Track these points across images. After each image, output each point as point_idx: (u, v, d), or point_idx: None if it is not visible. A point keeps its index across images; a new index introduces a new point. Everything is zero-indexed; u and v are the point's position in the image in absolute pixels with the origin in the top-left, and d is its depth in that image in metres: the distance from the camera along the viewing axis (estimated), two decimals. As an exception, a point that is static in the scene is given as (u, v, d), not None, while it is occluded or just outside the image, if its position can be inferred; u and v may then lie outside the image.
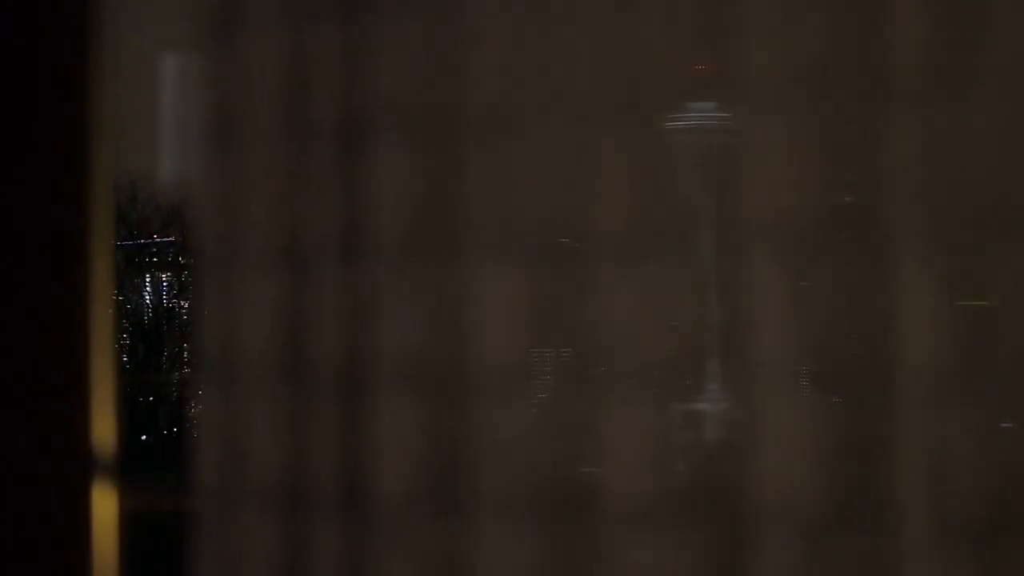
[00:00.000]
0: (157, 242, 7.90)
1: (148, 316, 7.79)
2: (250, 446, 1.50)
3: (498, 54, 1.30)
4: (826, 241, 1.24)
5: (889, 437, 1.21)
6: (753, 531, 1.21)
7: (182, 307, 8.57)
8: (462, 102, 1.31)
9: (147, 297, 7.82)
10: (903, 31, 1.20)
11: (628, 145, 1.29)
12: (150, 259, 7.85)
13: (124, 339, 7.11)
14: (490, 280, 1.31)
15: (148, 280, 7.84)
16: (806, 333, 1.24)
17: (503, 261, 1.31)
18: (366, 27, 1.38)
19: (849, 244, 1.25)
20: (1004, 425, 1.22)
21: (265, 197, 1.48)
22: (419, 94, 1.34)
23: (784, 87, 1.22)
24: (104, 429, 1.78)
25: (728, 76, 1.26)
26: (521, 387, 1.31)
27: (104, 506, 1.80)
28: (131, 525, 2.05)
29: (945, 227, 1.19)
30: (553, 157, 1.31)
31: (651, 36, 1.28)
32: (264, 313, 1.49)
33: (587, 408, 1.31)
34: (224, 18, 1.49)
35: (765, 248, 1.24)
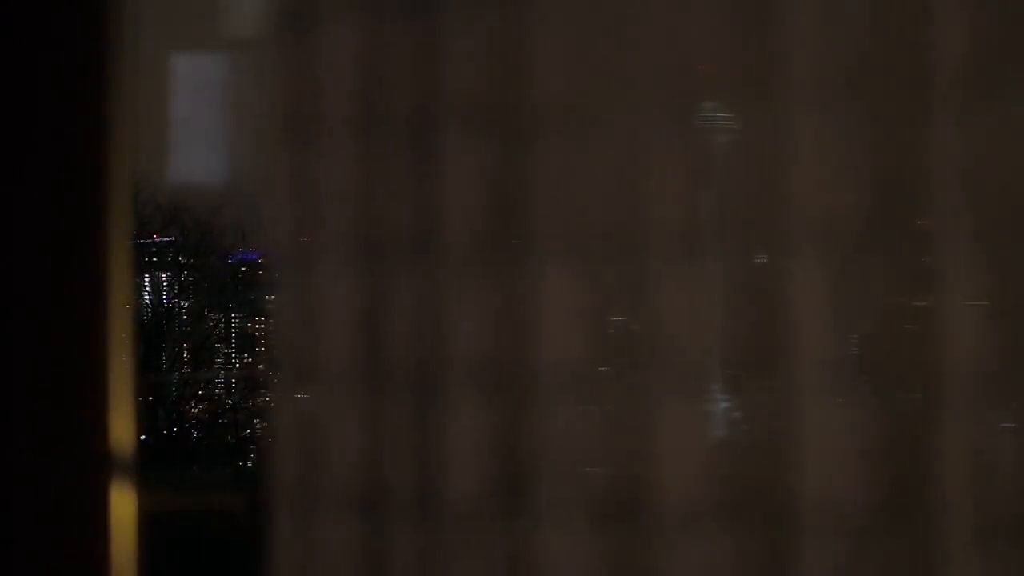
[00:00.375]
0: (157, 242, 7.89)
1: (148, 316, 7.78)
2: (326, 448, 1.49)
3: (571, 50, 1.28)
4: (870, 240, 1.23)
5: (935, 437, 1.19)
6: (802, 532, 1.20)
7: (182, 307, 8.56)
8: (536, 99, 1.29)
9: (147, 297, 7.81)
10: (946, 29, 1.19)
11: (684, 143, 1.28)
12: (150, 259, 7.84)
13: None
14: (562, 279, 1.29)
15: (148, 280, 7.83)
16: (852, 332, 1.23)
17: (576, 260, 1.30)
18: (439, 21, 1.37)
19: (893, 244, 1.24)
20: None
21: (339, 195, 1.46)
22: (492, 90, 1.33)
23: (827, 85, 1.21)
24: (122, 429, 1.77)
25: (773, 74, 1.24)
26: (592, 388, 1.30)
27: (122, 505, 1.78)
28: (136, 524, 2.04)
29: (989, 227, 1.18)
30: (622, 155, 1.29)
31: (702, 34, 1.27)
32: (338, 314, 1.47)
33: (647, 408, 1.30)
34: (295, 12, 1.47)
35: (810, 247, 1.23)
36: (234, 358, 8.48)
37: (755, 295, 1.30)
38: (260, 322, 8.91)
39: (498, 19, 1.34)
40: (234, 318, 8.48)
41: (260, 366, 8.89)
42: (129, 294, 1.85)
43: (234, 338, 8.52)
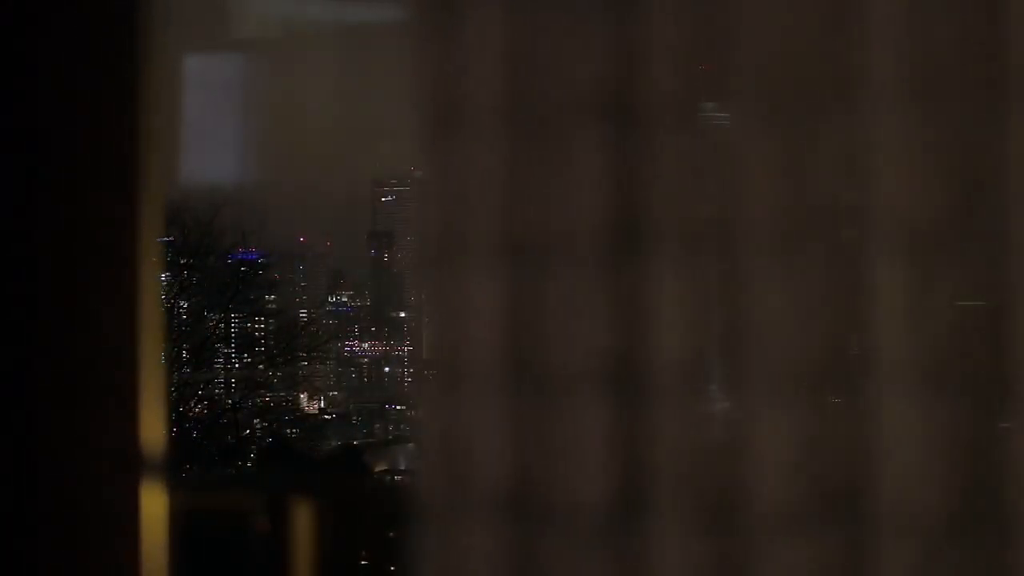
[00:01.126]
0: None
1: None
2: (474, 451, 1.47)
3: (723, 39, 1.28)
4: (953, 241, 1.23)
5: (1018, 440, 1.19)
6: (889, 535, 1.20)
7: (182, 307, 8.58)
8: (685, 90, 1.28)
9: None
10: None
11: (789, 143, 1.28)
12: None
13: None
14: (696, 276, 1.29)
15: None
16: (936, 334, 1.22)
17: (710, 257, 1.29)
18: (588, 10, 1.36)
19: (976, 244, 1.24)
20: None
21: (487, 190, 1.44)
22: (640, 81, 1.32)
23: (910, 86, 1.20)
24: (153, 428, 1.77)
25: (861, 74, 1.24)
26: (721, 389, 1.30)
27: (153, 504, 1.79)
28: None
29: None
30: (721, 151, 1.29)
31: (804, 32, 1.27)
32: (487, 313, 1.45)
33: (758, 410, 1.30)
34: (442, 3, 1.45)
35: (894, 248, 1.22)
36: (234, 358, 8.50)
37: (843, 296, 1.29)
38: (260, 322, 8.92)
39: (639, 11, 1.32)
40: (234, 318, 8.50)
41: (260, 366, 8.90)
42: (159, 294, 1.85)
43: (234, 338, 8.54)
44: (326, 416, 8.43)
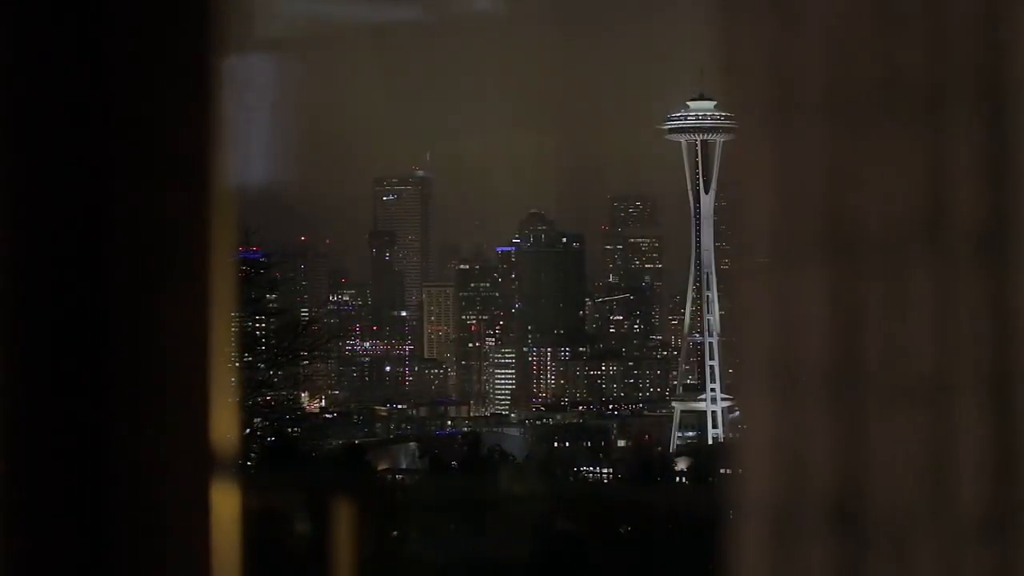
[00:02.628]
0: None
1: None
2: (805, 461, 1.43)
3: None
4: None
5: None
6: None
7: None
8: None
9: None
10: None
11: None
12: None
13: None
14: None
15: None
16: None
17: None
18: None
19: None
20: None
21: (818, 181, 1.38)
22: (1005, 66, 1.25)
23: None
24: (225, 428, 1.83)
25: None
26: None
27: (225, 503, 1.85)
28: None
29: None
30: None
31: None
32: (816, 312, 1.40)
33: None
34: None
35: None
36: (234, 357, 8.54)
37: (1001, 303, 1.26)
38: (260, 322, 8.87)
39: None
40: (234, 318, 8.55)
41: (260, 365, 8.85)
42: (233, 294, 1.90)
43: (235, 337, 8.58)
44: (327, 415, 8.42)
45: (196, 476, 1.76)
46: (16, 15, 1.84)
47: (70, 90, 1.96)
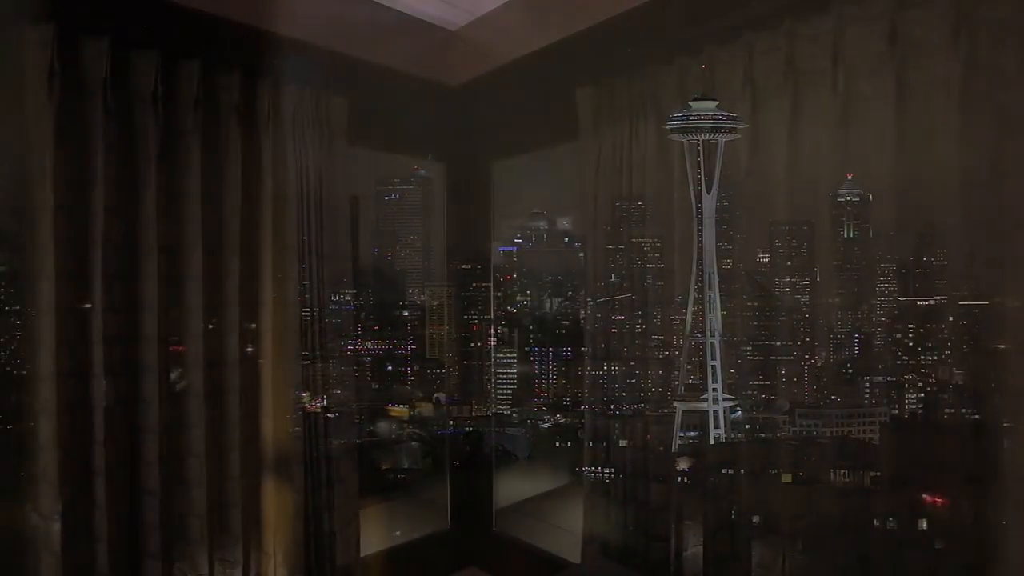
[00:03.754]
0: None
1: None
2: None
3: None
4: None
5: None
6: None
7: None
8: None
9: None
10: None
11: None
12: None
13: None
14: None
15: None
16: None
17: None
18: None
19: None
20: None
21: None
22: None
23: None
24: (283, 425, 1.80)
25: None
26: None
27: (281, 497, 1.81)
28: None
29: None
30: None
31: None
32: None
33: None
34: None
35: None
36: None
37: None
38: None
39: None
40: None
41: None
42: (296, 297, 1.87)
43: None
44: (328, 415, 8.42)
45: (255, 474, 1.69)
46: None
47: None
